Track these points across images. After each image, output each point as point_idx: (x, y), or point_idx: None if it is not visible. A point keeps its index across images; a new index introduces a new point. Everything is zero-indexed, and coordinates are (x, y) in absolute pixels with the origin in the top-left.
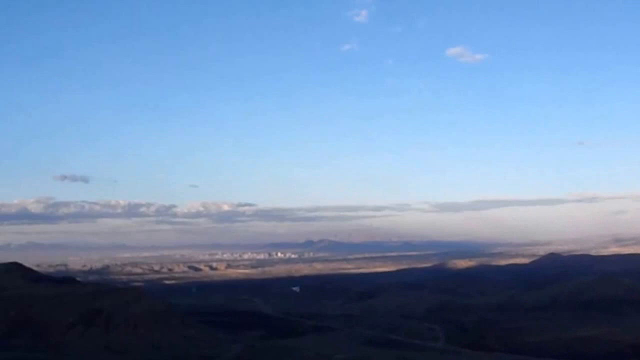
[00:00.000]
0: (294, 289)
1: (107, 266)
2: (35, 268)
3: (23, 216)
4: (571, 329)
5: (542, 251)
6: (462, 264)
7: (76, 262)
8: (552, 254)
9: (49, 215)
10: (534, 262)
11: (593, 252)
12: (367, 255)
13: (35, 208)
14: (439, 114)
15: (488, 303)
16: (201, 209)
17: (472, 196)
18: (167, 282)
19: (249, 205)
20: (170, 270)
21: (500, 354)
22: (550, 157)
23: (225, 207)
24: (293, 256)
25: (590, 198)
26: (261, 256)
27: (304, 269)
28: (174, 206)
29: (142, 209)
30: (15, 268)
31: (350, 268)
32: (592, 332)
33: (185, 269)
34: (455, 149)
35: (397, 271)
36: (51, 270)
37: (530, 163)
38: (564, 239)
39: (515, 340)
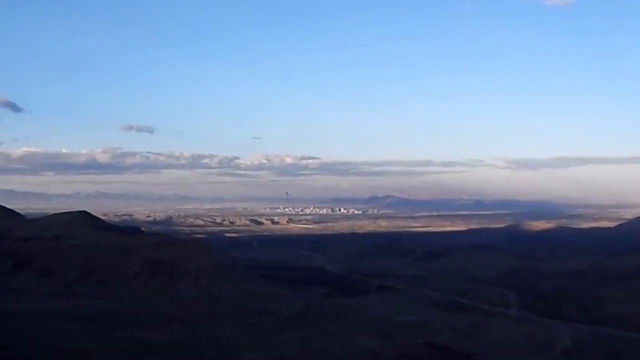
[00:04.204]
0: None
1: (171, 217)
2: (102, 217)
3: (91, 166)
4: None
5: (630, 214)
6: (539, 225)
7: (141, 212)
8: None
9: (116, 165)
10: (620, 225)
11: None
12: (435, 213)
13: (102, 158)
14: (519, 61)
15: (567, 269)
16: (264, 161)
17: (552, 152)
18: (228, 234)
19: (313, 158)
20: (232, 223)
21: (580, 325)
22: None
23: (288, 160)
24: (357, 212)
25: None
26: (324, 211)
27: (368, 226)
28: (237, 158)
29: (205, 161)
30: (83, 216)
31: (417, 226)
32: None
33: (247, 222)
34: (535, 99)
35: (467, 231)
36: (117, 219)
37: (620, 116)
38: None
39: (596, 310)
